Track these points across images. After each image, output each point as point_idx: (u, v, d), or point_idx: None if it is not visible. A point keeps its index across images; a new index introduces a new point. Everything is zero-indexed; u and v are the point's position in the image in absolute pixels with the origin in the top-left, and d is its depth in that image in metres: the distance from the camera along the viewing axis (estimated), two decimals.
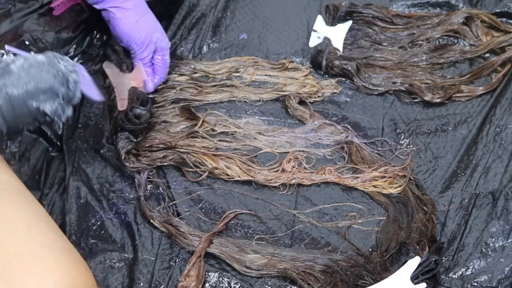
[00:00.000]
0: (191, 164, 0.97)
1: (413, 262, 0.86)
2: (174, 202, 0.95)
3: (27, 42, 1.06)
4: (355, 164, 0.98)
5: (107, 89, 1.00)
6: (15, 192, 0.76)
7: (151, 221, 0.93)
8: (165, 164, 0.98)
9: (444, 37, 1.14)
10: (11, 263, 0.66)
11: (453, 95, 1.06)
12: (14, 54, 0.81)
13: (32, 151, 1.00)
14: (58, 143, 1.01)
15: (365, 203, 0.95)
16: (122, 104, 0.97)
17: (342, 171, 0.98)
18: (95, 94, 0.86)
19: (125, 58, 1.02)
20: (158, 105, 1.04)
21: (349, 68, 1.08)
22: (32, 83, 0.74)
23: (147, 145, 0.98)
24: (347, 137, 1.00)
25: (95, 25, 1.13)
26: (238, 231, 0.93)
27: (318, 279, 0.86)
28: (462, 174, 0.99)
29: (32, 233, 0.71)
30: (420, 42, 1.13)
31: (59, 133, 1.01)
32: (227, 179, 0.97)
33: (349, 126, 1.02)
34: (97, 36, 1.13)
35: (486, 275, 0.88)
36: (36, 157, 0.99)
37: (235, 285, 0.88)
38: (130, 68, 1.02)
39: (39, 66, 0.76)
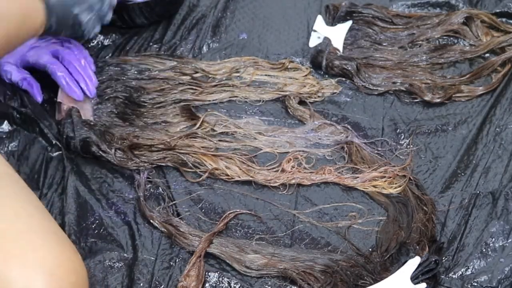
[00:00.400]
0: (190, 165, 0.97)
1: (413, 262, 0.86)
2: (174, 202, 0.95)
3: None
4: (355, 164, 0.98)
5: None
6: (1, 174, 0.76)
7: (151, 221, 0.92)
8: (163, 164, 0.98)
9: (444, 37, 1.14)
10: None
11: (453, 95, 1.06)
12: None
13: (31, 150, 1.00)
14: (57, 143, 1.00)
15: (365, 203, 0.95)
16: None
17: (342, 171, 0.98)
18: None
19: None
20: (159, 105, 1.04)
21: (349, 68, 1.08)
22: None
23: (147, 144, 0.98)
24: (347, 137, 1.00)
25: None
26: (238, 231, 0.93)
27: (318, 279, 0.86)
28: (462, 174, 0.99)
29: (18, 216, 0.70)
30: (420, 42, 1.13)
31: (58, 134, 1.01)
32: (227, 179, 0.97)
33: (349, 126, 1.02)
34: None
35: (486, 275, 0.88)
36: (35, 157, 0.99)
37: (235, 285, 0.87)
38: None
39: None
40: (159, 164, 0.98)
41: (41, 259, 0.66)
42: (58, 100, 1.00)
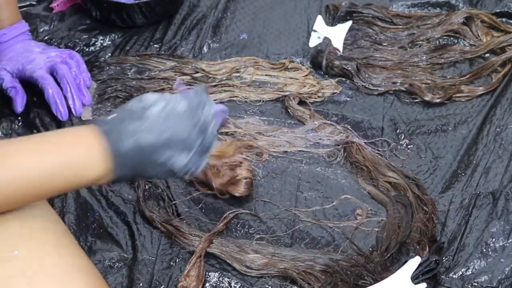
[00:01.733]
0: None
1: (414, 262, 0.85)
2: (174, 202, 0.95)
3: None
4: (355, 164, 0.98)
5: None
6: (45, 214, 0.74)
7: (151, 221, 0.92)
8: None
9: (444, 37, 1.14)
10: (40, 283, 0.65)
11: (453, 95, 1.06)
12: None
13: None
14: None
15: (365, 203, 0.95)
16: None
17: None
18: None
19: None
20: None
21: (349, 68, 1.08)
22: (166, 134, 0.66)
23: None
24: (347, 137, 1.00)
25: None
26: (238, 231, 0.92)
27: (319, 279, 0.86)
28: (463, 174, 0.99)
29: (61, 255, 0.69)
30: (420, 42, 1.13)
31: None
32: None
33: (349, 126, 1.02)
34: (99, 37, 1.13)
35: (486, 275, 0.88)
36: None
37: (235, 285, 0.87)
38: None
39: (178, 116, 0.67)
40: None
41: None
42: None
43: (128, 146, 0.64)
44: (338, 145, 1.00)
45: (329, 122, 1.03)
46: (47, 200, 0.75)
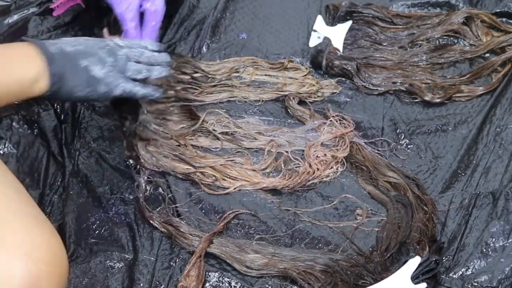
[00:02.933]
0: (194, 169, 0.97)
1: (414, 262, 0.86)
2: (174, 203, 0.95)
3: None
4: (355, 164, 0.98)
5: None
6: None
7: (151, 221, 0.92)
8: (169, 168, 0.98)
9: (444, 37, 1.13)
10: None
11: (453, 95, 1.06)
12: None
13: (31, 151, 1.00)
14: (58, 143, 1.00)
15: (365, 203, 0.95)
16: None
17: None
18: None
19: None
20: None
21: (349, 68, 1.08)
22: (81, 46, 0.82)
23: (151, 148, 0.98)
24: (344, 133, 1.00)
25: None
26: (238, 231, 0.92)
27: (319, 279, 0.86)
28: (463, 174, 0.99)
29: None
30: (420, 42, 1.12)
31: (59, 135, 1.01)
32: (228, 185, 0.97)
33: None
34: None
35: (486, 275, 0.88)
36: (35, 157, 0.99)
37: (235, 285, 0.87)
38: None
39: (87, 40, 0.85)
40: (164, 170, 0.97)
41: (19, 241, 0.66)
42: None
43: (54, 49, 0.79)
44: (335, 136, 1.00)
45: (328, 121, 1.03)
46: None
